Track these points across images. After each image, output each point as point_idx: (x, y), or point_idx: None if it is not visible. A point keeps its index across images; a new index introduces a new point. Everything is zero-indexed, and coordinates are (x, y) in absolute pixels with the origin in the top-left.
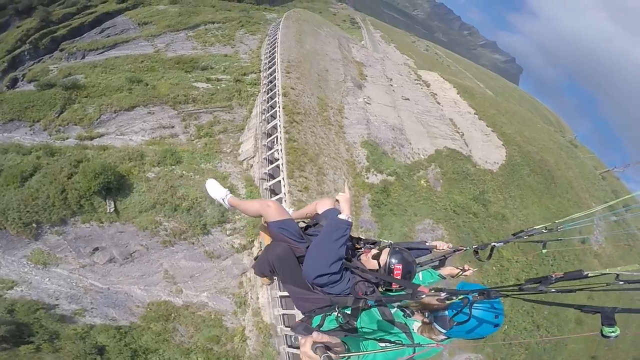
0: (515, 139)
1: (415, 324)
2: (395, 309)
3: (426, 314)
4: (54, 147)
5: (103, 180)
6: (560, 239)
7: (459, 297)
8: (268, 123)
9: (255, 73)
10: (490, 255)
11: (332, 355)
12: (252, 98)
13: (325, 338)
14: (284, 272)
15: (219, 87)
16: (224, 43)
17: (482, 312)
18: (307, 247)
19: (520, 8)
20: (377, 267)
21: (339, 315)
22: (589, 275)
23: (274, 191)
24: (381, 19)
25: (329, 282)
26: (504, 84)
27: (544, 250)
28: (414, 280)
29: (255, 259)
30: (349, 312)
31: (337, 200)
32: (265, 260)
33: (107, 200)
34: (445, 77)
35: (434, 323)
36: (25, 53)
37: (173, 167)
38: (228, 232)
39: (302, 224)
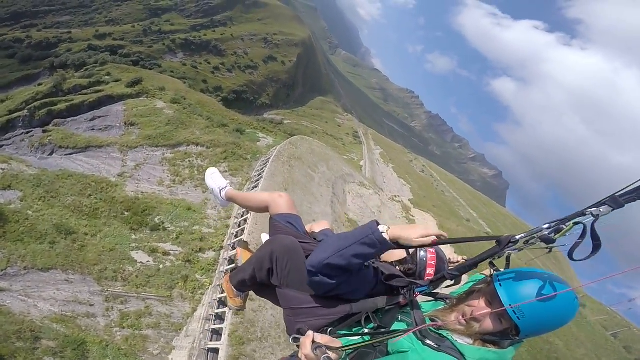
0: None
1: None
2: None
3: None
4: None
5: None
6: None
7: (572, 222)
8: (210, 340)
9: (216, 250)
10: (508, 264)
11: (332, 356)
12: (200, 291)
13: (326, 339)
14: (289, 269)
15: (161, 267)
16: (197, 183)
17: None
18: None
19: (505, 118)
20: (403, 257)
21: (366, 328)
22: None
23: None
24: (382, 130)
25: (347, 267)
26: (496, 210)
27: (548, 252)
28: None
29: (231, 270)
30: (379, 321)
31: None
32: (266, 253)
33: None
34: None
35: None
36: (20, 120)
37: None
38: None
39: None
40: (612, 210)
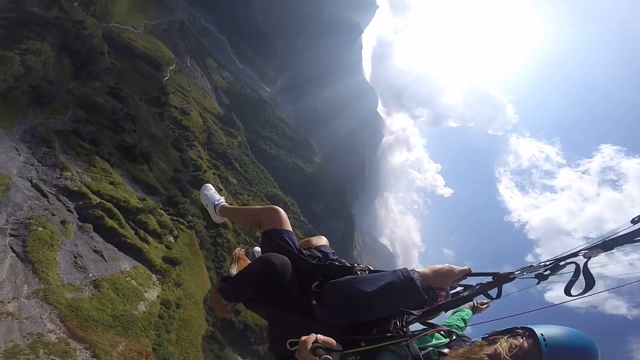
0: None
1: None
2: (430, 349)
3: None
4: None
5: None
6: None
7: (566, 261)
8: None
9: None
10: (500, 293)
11: (332, 357)
12: None
13: (330, 341)
14: (277, 290)
15: None
16: None
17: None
18: (314, 265)
19: None
20: None
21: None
22: None
23: None
24: None
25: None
26: None
27: (537, 285)
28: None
29: (222, 279)
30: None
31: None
32: (254, 272)
33: None
34: None
35: None
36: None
37: None
38: None
39: None
40: (603, 252)
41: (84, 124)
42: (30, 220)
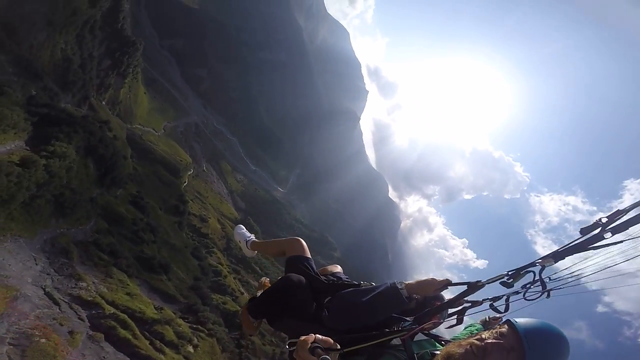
0: None
1: None
2: (424, 351)
3: None
4: None
5: None
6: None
7: (525, 270)
8: None
9: None
10: (507, 308)
11: (331, 357)
12: None
13: (328, 341)
14: (294, 302)
15: None
16: None
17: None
18: (329, 284)
19: None
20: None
21: None
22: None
23: None
24: None
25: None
26: None
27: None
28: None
29: (249, 300)
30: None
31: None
32: (275, 288)
33: None
34: None
35: None
36: None
37: None
38: None
39: None
40: (555, 262)
41: (104, 235)
42: (34, 331)
